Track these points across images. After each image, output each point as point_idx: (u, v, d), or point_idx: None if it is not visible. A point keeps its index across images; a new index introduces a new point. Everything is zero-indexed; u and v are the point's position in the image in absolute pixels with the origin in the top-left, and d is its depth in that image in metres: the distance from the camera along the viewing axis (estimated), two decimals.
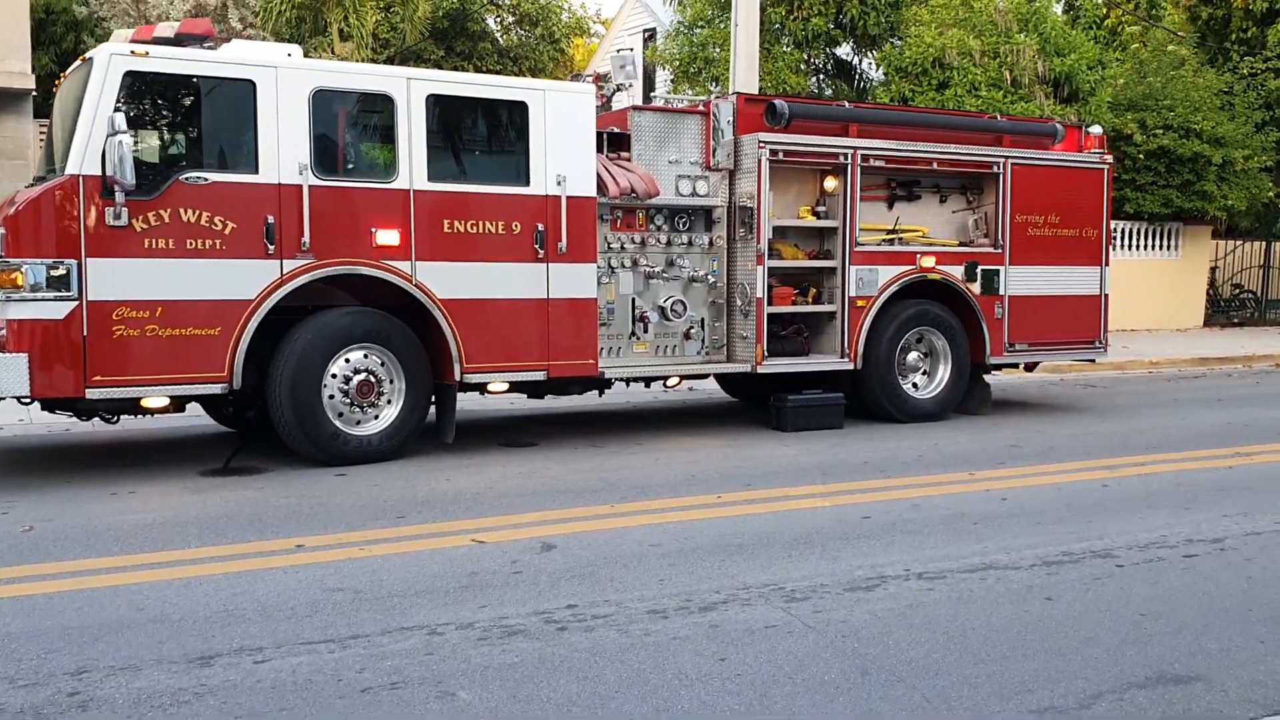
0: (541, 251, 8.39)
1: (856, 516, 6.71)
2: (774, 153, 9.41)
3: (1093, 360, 11.65)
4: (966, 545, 6.12)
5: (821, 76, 19.94)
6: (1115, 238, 22.25)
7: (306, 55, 8.30)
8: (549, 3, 26.30)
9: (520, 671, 4.25)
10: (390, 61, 25.69)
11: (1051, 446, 9.16)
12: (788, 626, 4.81)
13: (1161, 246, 23.01)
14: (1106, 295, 11.37)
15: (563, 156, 8.44)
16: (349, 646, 4.46)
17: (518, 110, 8.33)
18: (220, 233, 7.33)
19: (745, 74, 14.24)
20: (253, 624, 4.70)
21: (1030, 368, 12.03)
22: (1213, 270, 24.77)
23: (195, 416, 9.29)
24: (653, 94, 21.47)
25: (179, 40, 7.44)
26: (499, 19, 25.36)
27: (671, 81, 18.91)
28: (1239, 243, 25.39)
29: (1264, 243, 25.73)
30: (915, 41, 17.41)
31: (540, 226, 8.37)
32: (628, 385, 9.90)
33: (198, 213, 7.25)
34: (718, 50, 17.86)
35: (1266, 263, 25.72)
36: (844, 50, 19.91)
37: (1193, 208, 21.71)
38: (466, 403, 10.84)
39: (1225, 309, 24.97)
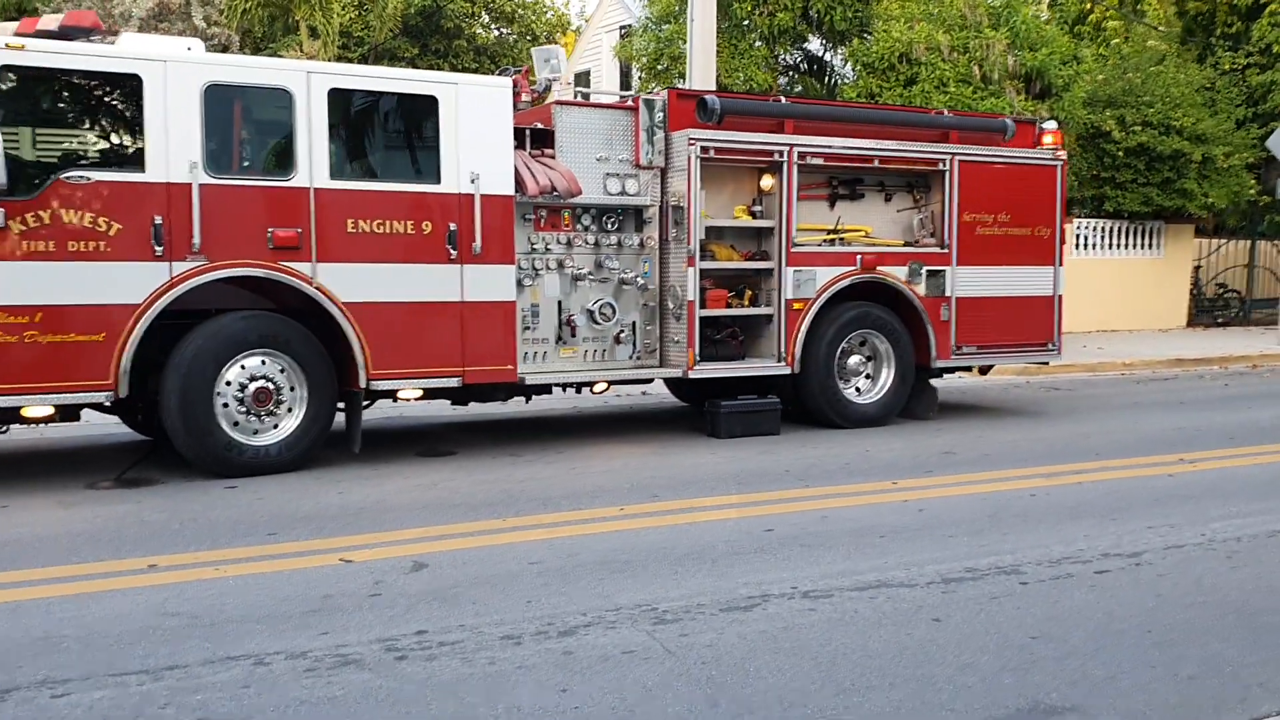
0: (454, 253, 8.07)
1: (760, 529, 6.39)
2: (705, 150, 9.08)
3: (1046, 363, 11.33)
4: (866, 560, 5.80)
5: (793, 73, 19.59)
6: (1095, 236, 21.92)
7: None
8: (524, 0, 25.98)
9: (340, 708, 3.94)
10: (364, 60, 25.44)
11: (987, 454, 8.83)
12: (647, 652, 4.50)
13: (1143, 245, 22.64)
14: (1060, 296, 11.05)
15: (477, 153, 8.13)
16: (162, 678, 4.15)
17: (427, 105, 8.01)
18: (104, 234, 7.02)
19: (702, 70, 13.92)
20: (69, 653, 4.39)
21: (985, 371, 11.70)
22: (1196, 269, 24.40)
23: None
24: (626, 93, 21.13)
25: (64, 33, 7.13)
26: (474, 16, 25.02)
27: (640, 79, 18.61)
28: (1223, 241, 25.00)
29: (1249, 241, 25.35)
30: (882, 36, 17.06)
31: (453, 226, 8.06)
32: (563, 391, 9.56)
33: (80, 213, 6.94)
34: (685, 46, 17.51)
35: (1251, 261, 25.34)
36: (815, 46, 19.55)
37: (1173, 206, 21.35)
38: (395, 410, 10.56)
39: (1209, 309, 24.58)
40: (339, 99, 7.74)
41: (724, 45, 17.35)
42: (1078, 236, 21.71)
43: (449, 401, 9.08)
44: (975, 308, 10.46)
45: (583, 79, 26.44)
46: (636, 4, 23.17)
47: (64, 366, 6.96)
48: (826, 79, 19.57)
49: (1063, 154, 10.92)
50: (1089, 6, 26.24)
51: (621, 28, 25.36)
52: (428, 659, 4.40)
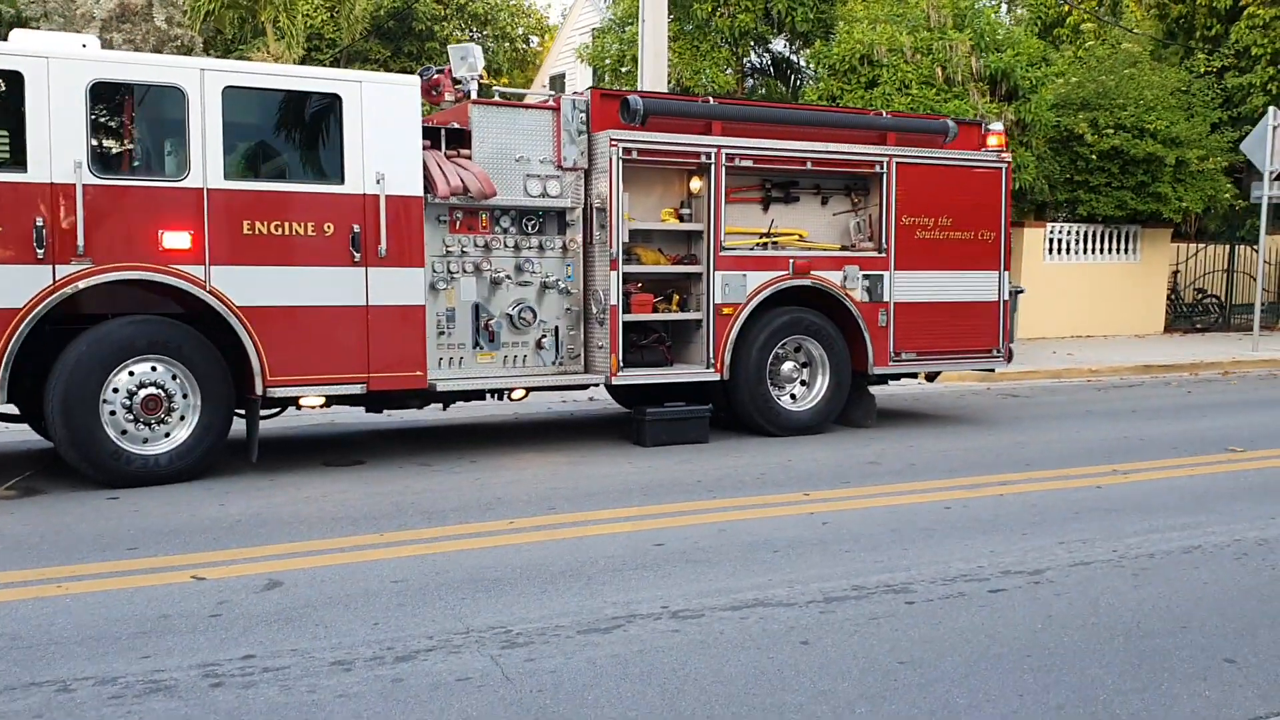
0: (358, 255, 7.82)
1: (649, 544, 6.14)
2: (627, 151, 8.83)
3: (992, 369, 11.06)
4: (750, 577, 5.55)
5: (758, 76, 19.34)
6: (1068, 241, 21.66)
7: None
8: (496, 2, 25.75)
9: None
10: (336, 62, 25.22)
11: (914, 464, 8.57)
12: (483, 679, 4.25)
13: (1118, 250, 22.39)
14: (1006, 301, 10.77)
15: (383, 153, 7.88)
16: None
17: (330, 104, 7.77)
18: None
19: (653, 72, 13.69)
20: None
21: (931, 378, 11.44)
22: (1175, 274, 24.15)
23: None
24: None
25: None
26: (446, 19, 24.81)
27: (604, 80, 18.36)
28: (1202, 246, 24.75)
29: (1228, 246, 25.09)
30: (844, 38, 16.81)
31: (356, 228, 7.81)
32: (495, 399, 9.30)
33: None
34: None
35: (1230, 266, 25.07)
36: (781, 48, 19.31)
37: (1148, 210, 21.09)
38: (325, 417, 10.33)
39: (1188, 314, 24.33)
40: (235, 97, 7.49)
41: (686, 47, 17.13)
42: (1051, 241, 21.47)
43: (363, 409, 8.83)
44: (915, 313, 10.20)
45: (557, 82, 26.21)
46: (606, 6, 22.96)
47: None
48: (791, 81, 19.32)
49: (1008, 156, 10.67)
50: (1067, 9, 26.00)
51: (595, 30, 25.14)
52: (245, 686, 4.15)
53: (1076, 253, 21.87)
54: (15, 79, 6.86)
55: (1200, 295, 24.79)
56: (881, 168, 9.97)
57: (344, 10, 21.88)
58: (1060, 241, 21.61)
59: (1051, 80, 18.11)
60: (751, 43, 17.87)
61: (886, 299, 10.07)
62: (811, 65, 17.96)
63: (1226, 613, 5.17)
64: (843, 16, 17.62)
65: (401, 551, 5.90)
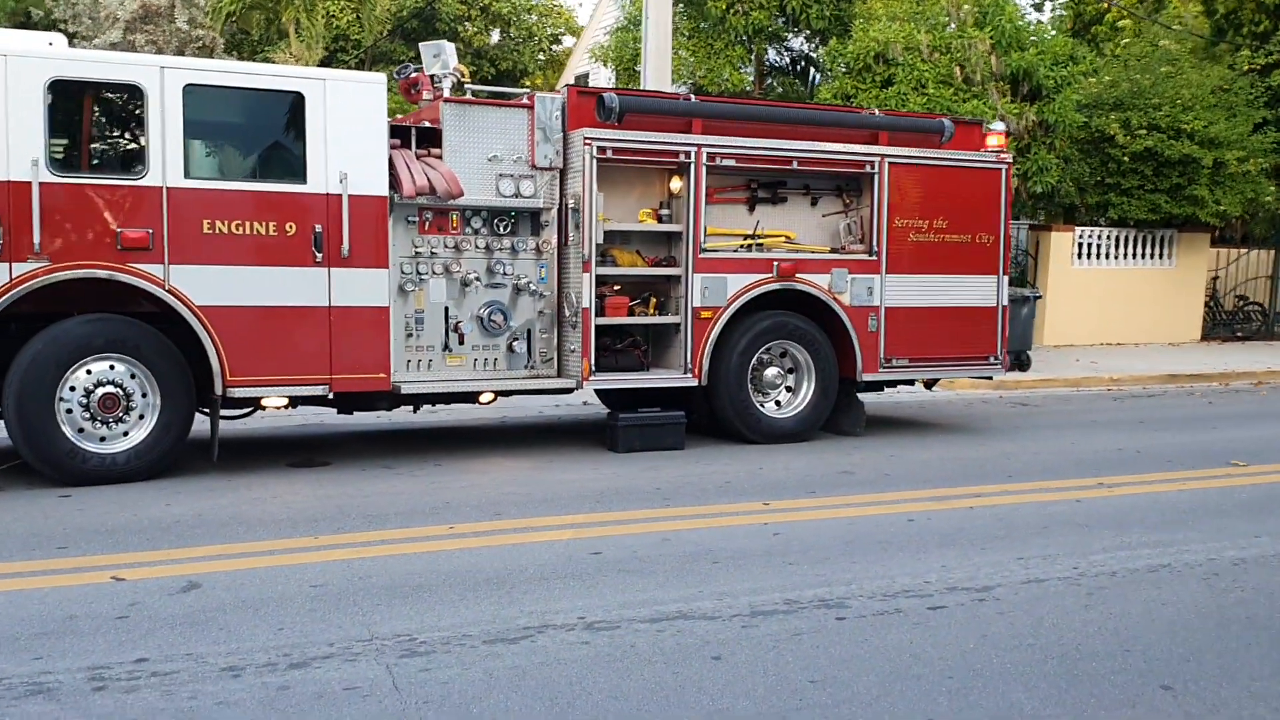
0: (320, 255, 7.75)
1: (586, 552, 5.99)
2: (602, 150, 8.68)
3: (989, 377, 10.75)
4: (681, 589, 5.39)
5: (775, 74, 19.10)
6: (1099, 245, 21.16)
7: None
8: (520, 4, 25.72)
9: None
10: (361, 63, 25.33)
11: (889, 474, 8.33)
12: (371, 689, 4.13)
13: (1152, 255, 21.84)
14: (1005, 307, 10.48)
15: (347, 152, 7.80)
16: None
17: (293, 102, 7.69)
18: None
19: (656, 70, 13.54)
20: None
21: (931, 385, 11.17)
22: (1214, 280, 23.51)
23: None
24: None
25: None
26: (468, 18, 24.81)
27: (618, 80, 18.22)
28: (1244, 251, 24.06)
29: (1272, 251, 24.37)
30: (859, 35, 16.53)
31: (318, 228, 7.73)
32: (455, 403, 9.21)
33: None
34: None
35: (1275, 272, 24.35)
36: (799, 45, 19.05)
37: (1183, 213, 20.53)
38: (315, 416, 10.28)
39: (1228, 322, 23.65)
40: (196, 95, 7.44)
41: (700, 45, 16.96)
42: (1080, 245, 20.99)
43: (334, 410, 8.76)
44: (907, 318, 9.94)
45: (582, 82, 26.11)
46: (622, 5, 22.78)
47: None
48: (810, 80, 19.05)
49: (1008, 157, 10.37)
50: (1105, 6, 25.41)
51: (612, 30, 24.96)
52: (128, 690, 4.07)
53: (1107, 257, 21.36)
54: None
55: (1242, 302, 24.10)
56: (873, 168, 9.72)
57: (365, 10, 21.95)
58: (1090, 246, 21.12)
59: (1078, 79, 17.66)
60: (766, 41, 17.61)
61: (877, 303, 9.82)
62: (825, 63, 17.67)
63: (1177, 636, 4.92)
64: (860, 14, 17.33)
65: (331, 555, 5.80)
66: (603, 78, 22.04)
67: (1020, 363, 16.19)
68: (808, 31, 17.80)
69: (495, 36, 28.66)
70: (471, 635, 4.70)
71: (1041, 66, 16.73)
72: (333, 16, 25.37)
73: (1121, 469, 8.69)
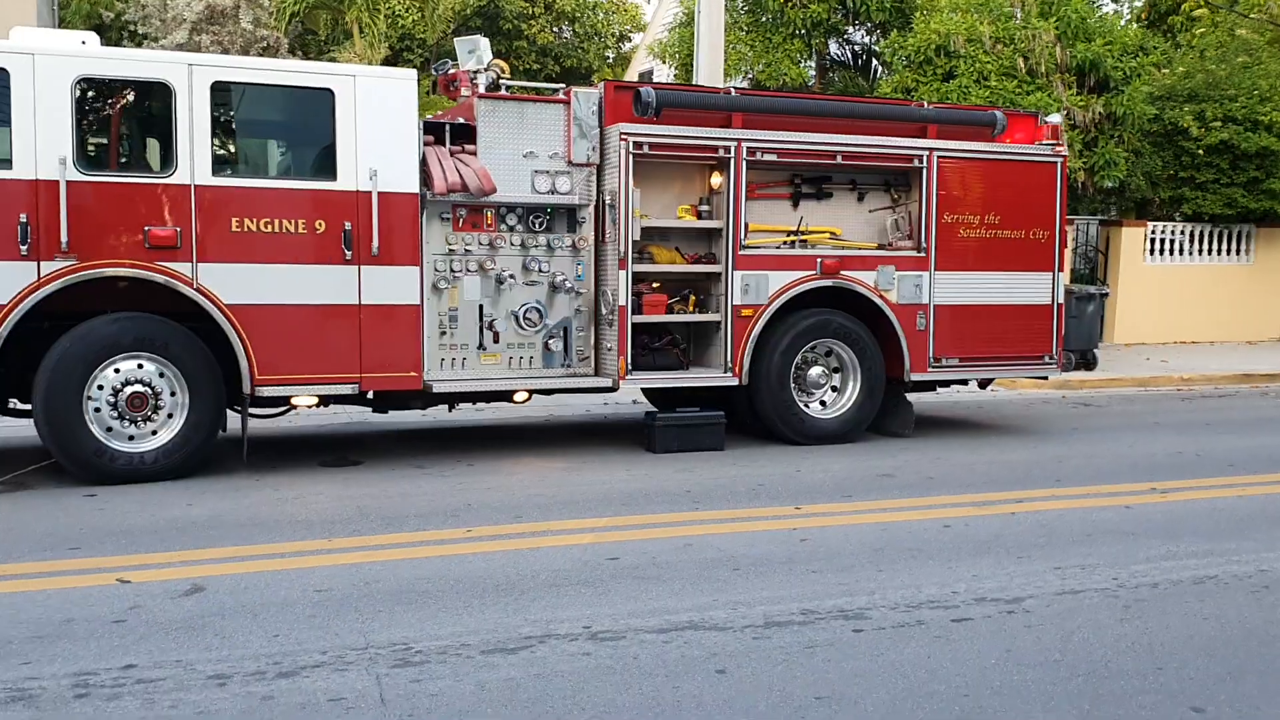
0: (350, 253, 7.69)
1: (603, 558, 5.83)
2: (638, 145, 8.50)
3: (1044, 377, 10.38)
4: (696, 597, 5.21)
5: (836, 68, 18.73)
6: (1173, 241, 20.44)
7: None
8: (585, 1, 25.65)
9: None
10: (426, 62, 25.45)
11: (932, 477, 8.04)
12: (356, 700, 4.02)
13: (1230, 251, 21.04)
14: (1060, 305, 10.08)
15: (377, 148, 7.73)
16: None
17: (323, 98, 7.64)
18: None
19: (709, 64, 13.33)
20: None
21: (985, 384, 10.81)
22: None
23: None
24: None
25: None
26: (532, 16, 24.79)
27: (675, 75, 18.05)
28: None
29: None
30: (920, 28, 16.12)
31: (348, 225, 7.67)
32: (472, 401, 9.11)
33: None
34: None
35: None
36: (860, 38, 18.66)
37: (1261, 208, 19.74)
38: (360, 416, 10.24)
39: None
40: (224, 92, 7.44)
41: (758, 40, 16.69)
42: (1152, 241, 20.30)
43: (370, 409, 8.73)
44: (957, 316, 9.62)
45: (646, 79, 25.92)
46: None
47: None
48: (873, 74, 18.67)
49: (1063, 150, 9.99)
50: None
51: (671, 26, 24.74)
52: (110, 698, 4.00)
53: (1182, 253, 20.63)
54: (1, 75, 6.90)
55: None
56: (921, 162, 9.42)
57: (428, 9, 22.04)
58: (1163, 241, 20.41)
59: (1148, 71, 17.05)
60: (825, 35, 17.28)
61: (925, 301, 9.52)
62: (884, 56, 17.29)
63: (1215, 654, 4.63)
64: (922, 6, 16.91)
65: (341, 559, 5.72)
66: (664, 74, 21.87)
67: (1086, 362, 15.74)
68: (869, 24, 17.41)
69: (564, 33, 28.63)
70: (470, 644, 4.57)
71: (1109, 57, 16.18)
72: (398, 15, 25.53)
73: (1178, 473, 8.30)
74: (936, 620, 4.98)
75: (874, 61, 18.95)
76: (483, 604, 5.06)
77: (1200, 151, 19.26)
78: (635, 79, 27.40)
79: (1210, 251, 20.88)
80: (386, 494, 7.21)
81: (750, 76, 17.70)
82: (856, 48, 19.08)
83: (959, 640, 4.74)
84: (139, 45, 21.69)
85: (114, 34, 23.72)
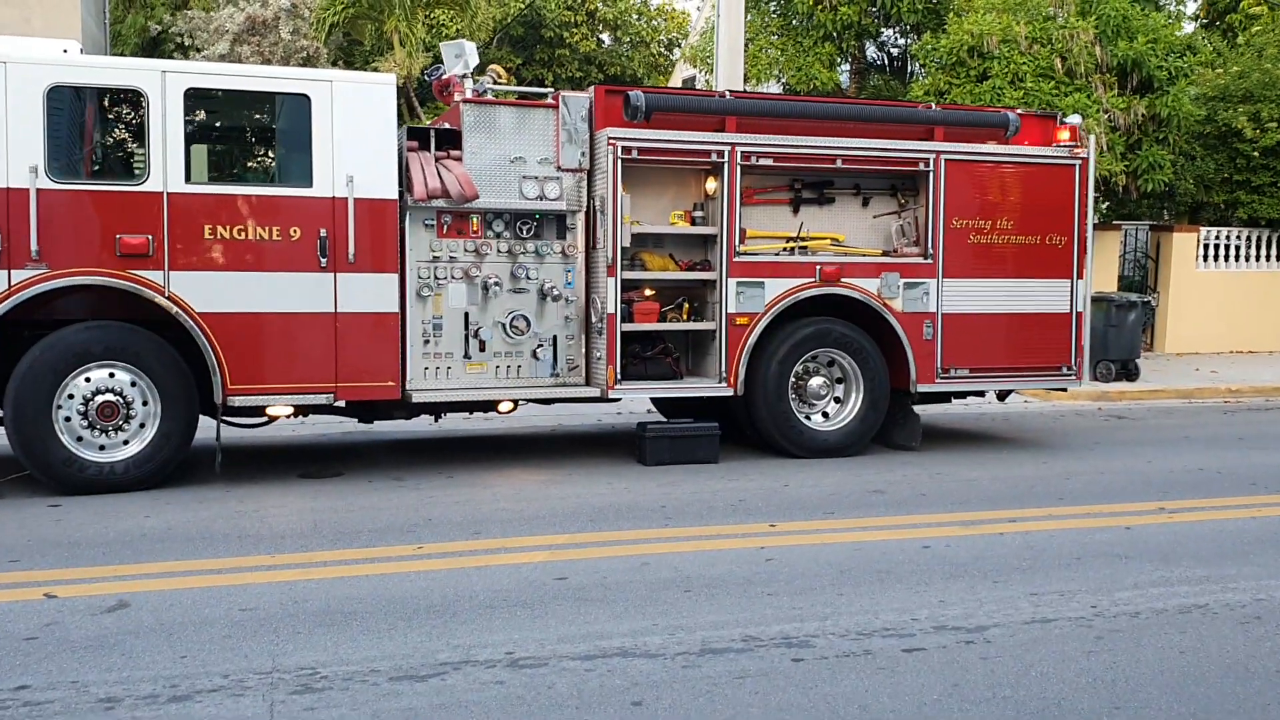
0: (325, 260, 7.56)
1: (551, 577, 5.60)
2: (627, 150, 8.28)
3: (1063, 389, 9.94)
4: (635, 621, 4.96)
5: (868, 71, 18.32)
6: (1228, 246, 19.69)
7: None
8: (627, 7, 25.49)
9: None
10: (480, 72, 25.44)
11: (924, 494, 7.69)
12: None
13: None
14: (1080, 313, 9.64)
15: (354, 155, 7.61)
16: None
17: (298, 104, 7.53)
18: None
19: (728, 68, 13.07)
20: None
21: (1003, 396, 10.40)
22: None
23: None
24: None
25: None
26: (574, 24, 24.70)
27: (706, 80, 17.78)
28: None
29: None
30: (953, 28, 15.68)
31: (324, 232, 7.55)
32: (468, 413, 8.94)
33: None
34: (747, 43, 16.56)
35: None
36: (893, 40, 18.23)
37: None
38: (357, 427, 10.13)
39: None
40: (198, 99, 7.36)
41: (787, 43, 16.37)
42: (1205, 247, 19.58)
43: (355, 419, 8.61)
44: (967, 325, 9.24)
45: (689, 85, 25.70)
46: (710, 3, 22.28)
47: None
48: (909, 76, 18.22)
49: (1082, 152, 9.56)
50: None
51: (707, 31, 24.51)
52: None
53: (1237, 259, 19.89)
54: None
55: None
56: (927, 165, 9.07)
57: (465, 18, 22.06)
58: (1216, 247, 19.69)
59: (1195, 70, 16.42)
60: (855, 37, 16.89)
61: (933, 309, 9.16)
62: (916, 59, 16.86)
63: (1184, 691, 4.28)
64: (956, 7, 16.46)
65: (278, 576, 5.56)
66: (701, 80, 21.63)
67: (1127, 372, 15.23)
68: (901, 26, 16.99)
69: (606, 41, 28.53)
70: (380, 670, 4.37)
71: (1153, 56, 15.60)
72: (442, 25, 25.60)
73: (1192, 492, 7.86)
74: (886, 650, 4.68)
75: (909, 64, 18.50)
76: (408, 626, 4.86)
77: (1255, 154, 18.55)
78: (679, 85, 27.19)
79: (1268, 257, 20.10)
80: (350, 507, 7.05)
81: (782, 81, 17.39)
82: (892, 50, 18.65)
83: (904, 673, 4.44)
84: (187, 56, 22.00)
85: (166, 46, 24.12)
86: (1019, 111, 9.70)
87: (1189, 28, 19.88)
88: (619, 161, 8.26)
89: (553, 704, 4.08)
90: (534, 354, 8.42)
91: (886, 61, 18.72)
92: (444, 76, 8.94)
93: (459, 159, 8.16)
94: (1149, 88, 15.88)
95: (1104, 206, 19.24)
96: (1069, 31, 15.14)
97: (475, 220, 8.24)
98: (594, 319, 8.46)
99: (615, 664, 4.47)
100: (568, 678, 4.33)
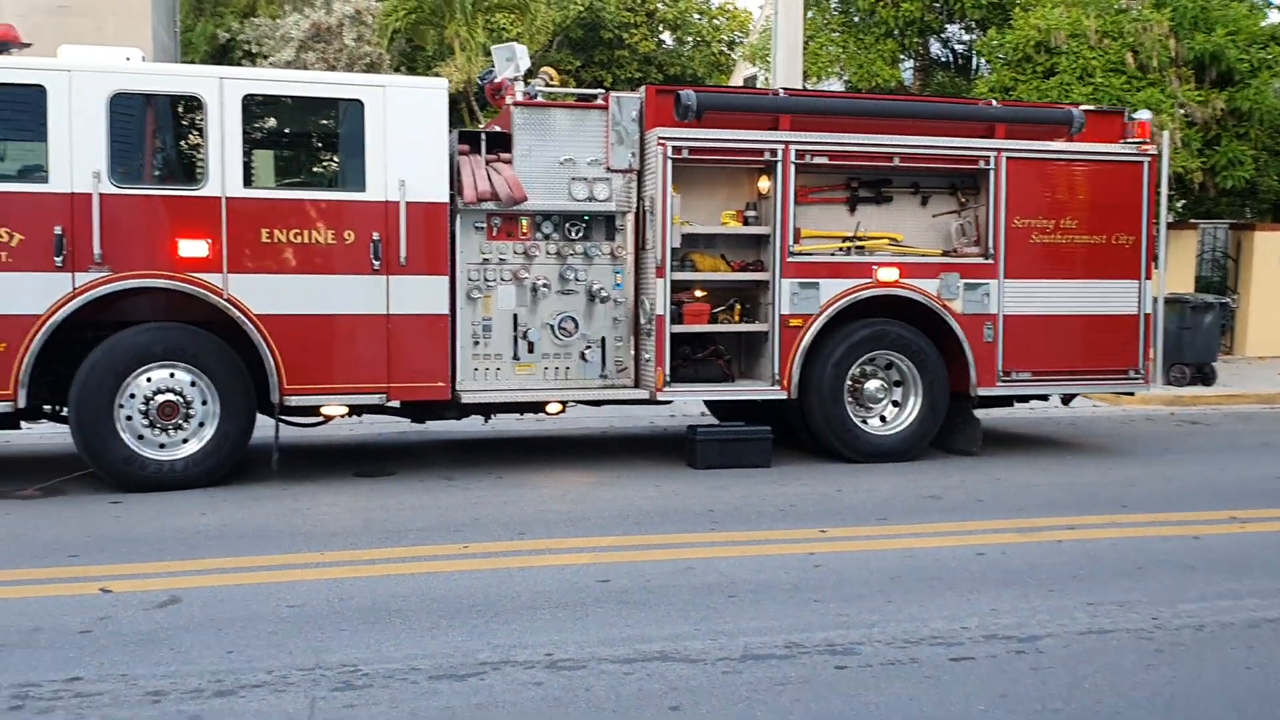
0: (378, 263, 7.63)
1: (593, 580, 5.57)
2: (677, 150, 8.23)
3: (1131, 393, 9.66)
4: (676, 625, 4.91)
5: (932, 68, 18.04)
6: None
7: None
8: (688, 7, 25.44)
9: None
10: (530, 73, 25.60)
11: (981, 500, 7.53)
12: None
13: None
14: (1149, 315, 9.37)
15: (406, 158, 7.66)
16: None
17: (352, 109, 7.61)
18: (6, 244, 7.02)
19: (787, 65, 12.97)
20: None
21: (1066, 400, 10.16)
22: None
23: None
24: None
25: None
26: (634, 25, 24.70)
27: (765, 79, 17.68)
28: None
29: None
30: (1019, 23, 15.37)
31: (376, 235, 7.61)
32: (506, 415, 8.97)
33: None
34: (807, 41, 16.40)
35: None
36: (956, 36, 17.94)
37: None
38: (412, 427, 10.20)
39: None
40: (255, 105, 7.48)
41: (849, 39, 16.20)
42: None
43: (409, 420, 8.69)
44: (1029, 327, 9.04)
45: (751, 84, 25.59)
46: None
47: None
48: (974, 73, 17.92)
49: (1151, 149, 9.30)
50: None
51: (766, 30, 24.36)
52: (41, 712, 3.95)
53: None
54: (38, 92, 7.06)
55: None
56: (987, 163, 8.89)
57: (525, 22, 22.18)
58: None
59: (1279, 62, 15.90)
60: (918, 34, 16.64)
61: (994, 311, 8.97)
62: (980, 55, 16.57)
63: (1247, 709, 4.13)
64: (1022, 2, 16.14)
65: (326, 574, 5.61)
66: (761, 78, 21.52)
67: (1203, 376, 14.79)
68: (965, 22, 16.71)
69: (667, 41, 28.49)
70: (420, 668, 4.37)
71: (1233, 48, 15.13)
72: (502, 29, 25.73)
73: (1268, 501, 7.60)
74: (932, 658, 4.57)
75: (975, 60, 18.20)
76: (450, 625, 4.87)
77: None
78: (741, 84, 27.08)
79: None
80: (400, 506, 7.10)
81: (844, 79, 17.21)
82: (956, 47, 18.36)
83: (950, 682, 4.33)
84: (254, 63, 22.36)
85: (234, 53, 24.57)
86: (1084, 108, 9.46)
87: (1274, 17, 19.21)
88: (669, 161, 8.21)
89: (590, 707, 4.05)
90: (582, 355, 8.41)
91: (951, 58, 18.42)
92: (495, 80, 8.96)
93: (509, 161, 8.18)
94: (1229, 81, 15.42)
95: (1180, 205, 18.73)
96: (1141, 24, 14.76)
97: (525, 222, 8.25)
98: (643, 320, 8.42)
99: (654, 668, 4.43)
100: (606, 680, 4.29)
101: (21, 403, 7.10)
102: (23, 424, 7.94)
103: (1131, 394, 9.72)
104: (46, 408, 7.71)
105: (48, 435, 9.47)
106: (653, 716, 3.98)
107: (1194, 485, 8.19)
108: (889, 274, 8.72)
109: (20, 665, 4.36)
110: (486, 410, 8.52)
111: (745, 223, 8.69)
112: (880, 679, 4.35)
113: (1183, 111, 15.06)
